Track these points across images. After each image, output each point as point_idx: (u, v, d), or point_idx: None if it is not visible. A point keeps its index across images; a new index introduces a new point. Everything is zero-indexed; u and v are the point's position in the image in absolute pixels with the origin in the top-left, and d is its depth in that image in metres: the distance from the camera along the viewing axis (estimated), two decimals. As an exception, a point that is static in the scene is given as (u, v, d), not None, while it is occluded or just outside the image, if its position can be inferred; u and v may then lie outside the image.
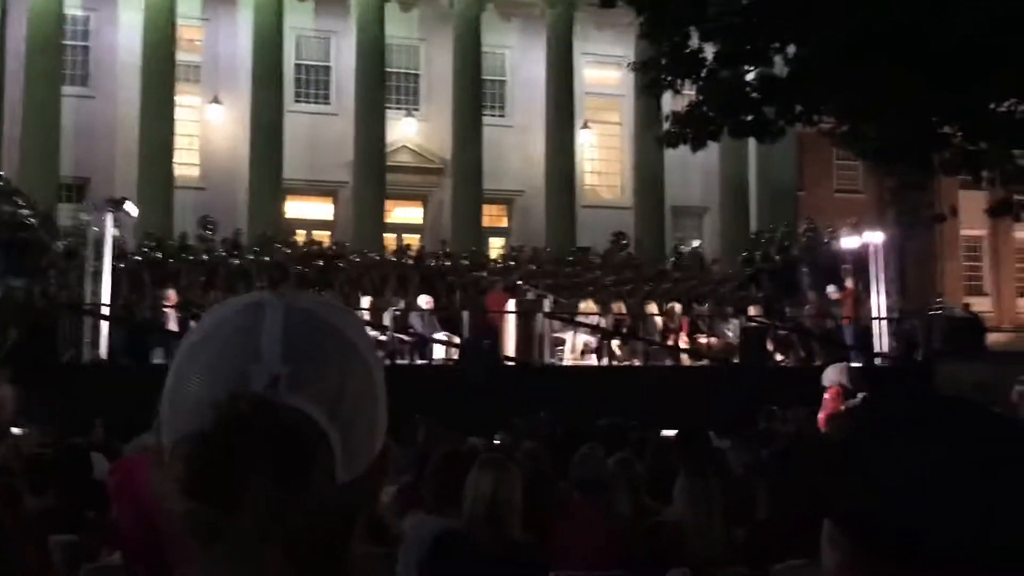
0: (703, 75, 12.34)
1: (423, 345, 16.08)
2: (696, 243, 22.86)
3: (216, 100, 23.93)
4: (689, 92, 13.54)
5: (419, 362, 16.08)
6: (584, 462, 5.46)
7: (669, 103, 16.96)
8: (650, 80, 13.13)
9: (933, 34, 9.93)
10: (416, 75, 26.37)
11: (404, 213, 26.24)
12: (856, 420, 1.05)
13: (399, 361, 15.82)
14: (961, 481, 0.92)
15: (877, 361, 17.74)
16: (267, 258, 18.74)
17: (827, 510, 0.99)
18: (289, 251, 19.50)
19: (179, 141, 23.34)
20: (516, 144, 25.92)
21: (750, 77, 12.68)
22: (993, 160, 14.10)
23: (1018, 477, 0.92)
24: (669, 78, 12.77)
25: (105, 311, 15.86)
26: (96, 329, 15.49)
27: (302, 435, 0.82)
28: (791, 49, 12.64)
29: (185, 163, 24.17)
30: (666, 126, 13.85)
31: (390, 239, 24.34)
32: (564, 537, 4.92)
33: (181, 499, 0.82)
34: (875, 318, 18.27)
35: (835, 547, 0.98)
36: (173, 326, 15.90)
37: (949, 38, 9.92)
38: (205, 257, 18.62)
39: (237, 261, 18.58)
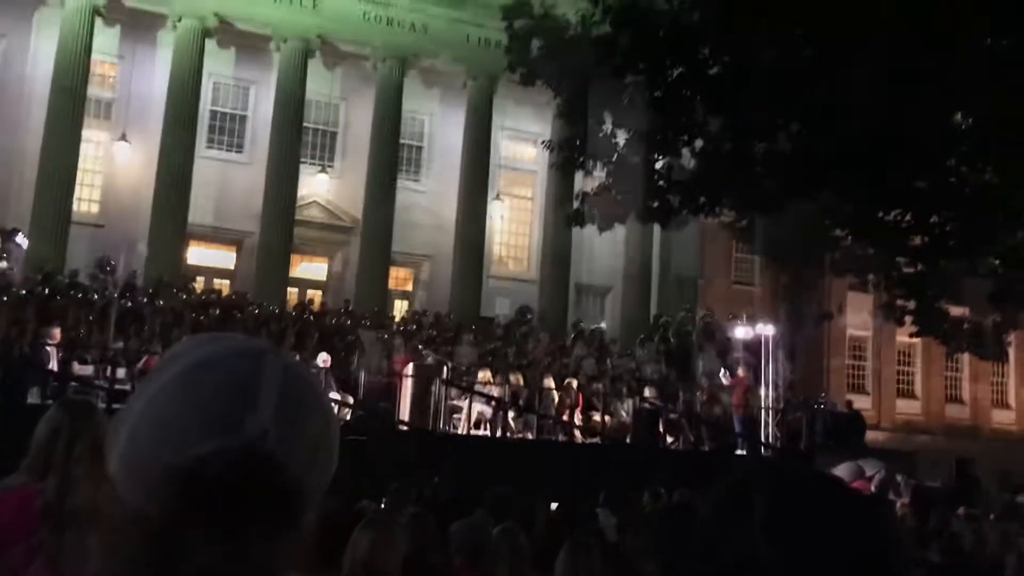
0: (614, 159, 12.75)
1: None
2: (600, 325, 23.33)
3: (124, 138, 23.41)
4: (600, 174, 13.95)
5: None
6: (466, 529, 5.43)
7: (580, 183, 17.36)
8: (563, 159, 13.48)
9: (817, 143, 10.56)
10: (334, 132, 26.40)
11: (309, 268, 25.97)
12: (707, 500, 1.11)
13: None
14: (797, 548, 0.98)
15: (762, 451, 18.22)
16: (161, 302, 18.21)
17: None
18: (186, 297, 19.01)
19: (82, 176, 22.72)
20: (428, 209, 26.08)
21: (659, 166, 13.15)
22: (878, 265, 14.85)
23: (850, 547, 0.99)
24: (581, 159, 13.14)
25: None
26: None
27: (290, 490, 0.89)
28: (698, 143, 13.19)
29: (85, 199, 23.50)
30: (576, 205, 14.19)
31: (293, 293, 24.06)
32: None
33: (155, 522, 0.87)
34: (763, 408, 18.81)
35: None
36: (54, 366, 15.20)
37: (831, 150, 10.55)
38: (95, 296, 17.97)
39: (130, 304, 17.98)
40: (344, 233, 25.66)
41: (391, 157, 24.70)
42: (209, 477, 0.86)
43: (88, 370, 15.88)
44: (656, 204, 12.81)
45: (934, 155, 12.94)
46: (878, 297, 20.87)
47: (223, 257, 25.27)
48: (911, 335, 22.06)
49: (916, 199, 13.75)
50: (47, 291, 17.61)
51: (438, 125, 27.07)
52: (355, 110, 25.77)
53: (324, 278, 26.08)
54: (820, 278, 18.06)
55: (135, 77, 24.10)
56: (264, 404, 0.91)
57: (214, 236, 24.75)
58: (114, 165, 23.89)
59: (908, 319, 18.04)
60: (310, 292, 24.99)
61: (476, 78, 25.24)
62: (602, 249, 26.18)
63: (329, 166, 25.83)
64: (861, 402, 30.43)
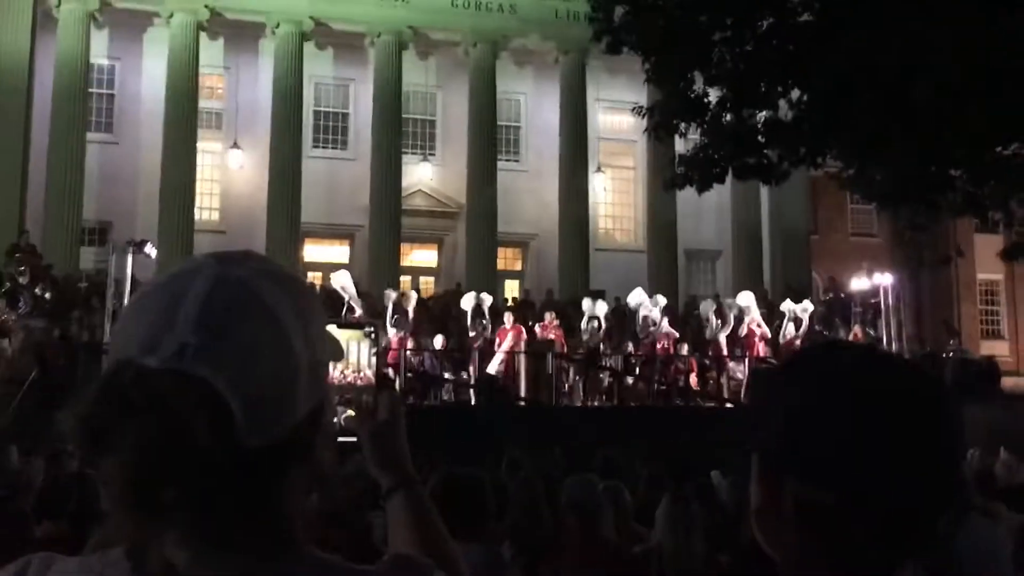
0: (707, 119, 12.61)
1: (434, 384, 16.26)
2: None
3: (236, 146, 24.49)
4: (695, 136, 13.78)
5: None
6: (575, 486, 5.61)
7: (680, 145, 17.15)
8: (655, 124, 13.41)
9: (925, 81, 10.17)
10: (432, 121, 26.87)
11: (419, 256, 26.57)
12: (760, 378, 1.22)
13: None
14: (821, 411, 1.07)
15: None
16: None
17: (753, 446, 1.14)
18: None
19: (200, 186, 23.86)
20: (530, 188, 26.27)
21: (753, 120, 12.91)
22: (997, 203, 14.21)
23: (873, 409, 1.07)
24: (675, 121, 13.05)
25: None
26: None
27: (179, 402, 0.86)
28: (794, 93, 12.89)
29: (206, 207, 24.68)
30: (673, 168, 14.12)
31: (406, 281, 24.68)
32: (555, 557, 5.05)
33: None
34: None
35: (758, 480, 1.12)
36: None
37: (940, 85, 10.16)
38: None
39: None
40: (450, 219, 26.13)
41: (490, 140, 24.99)
42: (114, 399, 0.87)
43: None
44: (754, 160, 12.65)
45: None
46: (1007, 237, 19.89)
47: (337, 252, 26.12)
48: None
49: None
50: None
51: (533, 104, 27.20)
52: (451, 97, 26.15)
53: (434, 264, 26.64)
54: (935, 221, 17.32)
55: (241, 86, 25.13)
56: (183, 320, 0.90)
57: (327, 232, 25.61)
58: (229, 172, 25.00)
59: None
60: (422, 279, 25.60)
61: (567, 53, 25.23)
62: (710, 213, 25.82)
63: (431, 154, 26.33)
64: (997, 348, 29.12)
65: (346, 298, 16.68)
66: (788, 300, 18.40)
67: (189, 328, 0.89)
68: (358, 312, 16.55)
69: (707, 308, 18.20)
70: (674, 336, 17.74)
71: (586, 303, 17.71)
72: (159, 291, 0.94)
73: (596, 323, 17.34)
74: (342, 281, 17.03)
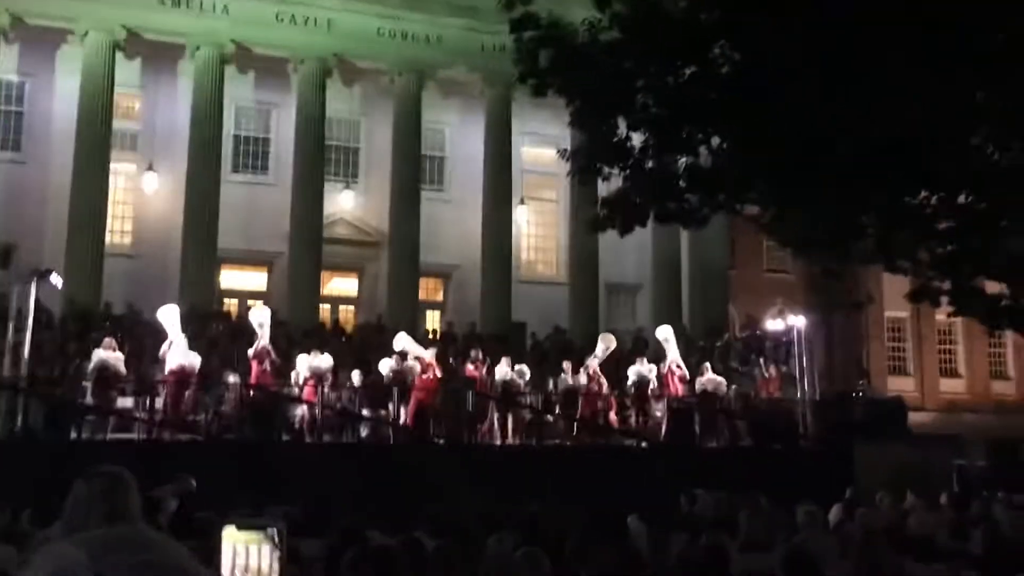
0: (629, 163, 12.75)
1: (353, 421, 15.96)
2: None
3: (152, 168, 23.82)
4: (618, 177, 13.90)
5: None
6: (492, 557, 5.51)
7: (603, 184, 17.33)
8: (579, 167, 13.51)
9: (835, 136, 10.49)
10: (356, 148, 26.62)
11: (340, 285, 26.21)
12: None
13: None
14: None
15: (800, 443, 18.09)
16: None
17: None
18: (221, 327, 19.27)
19: (112, 208, 23.13)
20: (454, 218, 26.19)
21: (675, 166, 13.13)
22: (905, 250, 14.66)
23: None
24: (597, 165, 13.16)
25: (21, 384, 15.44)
26: (12, 403, 15.06)
27: None
28: (715, 140, 13.14)
29: (117, 230, 23.92)
30: (596, 210, 14.22)
31: (325, 310, 24.31)
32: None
33: None
34: (798, 400, 18.66)
35: None
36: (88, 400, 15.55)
37: (850, 141, 10.48)
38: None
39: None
40: (372, 248, 25.86)
41: (414, 169, 24.86)
42: None
43: (128, 402, 16.19)
44: (675, 204, 12.85)
45: (957, 137, 12.75)
46: (914, 280, 20.57)
47: (255, 279, 25.59)
48: (948, 315, 21.70)
49: (941, 181, 13.56)
50: (84, 326, 17.95)
51: (458, 135, 27.19)
52: (375, 125, 25.96)
53: (355, 294, 26.30)
54: (846, 266, 17.85)
55: (158, 107, 24.51)
56: None
57: (245, 259, 25.07)
58: (144, 195, 24.28)
59: (944, 299, 17.72)
60: (342, 308, 25.24)
61: (493, 86, 25.32)
62: (631, 247, 26.06)
63: (353, 182, 26.06)
64: (904, 384, 30.11)
65: (259, 335, 16.35)
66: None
67: None
68: (263, 343, 16.30)
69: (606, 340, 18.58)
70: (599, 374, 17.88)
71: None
72: None
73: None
74: (260, 318, 16.73)
